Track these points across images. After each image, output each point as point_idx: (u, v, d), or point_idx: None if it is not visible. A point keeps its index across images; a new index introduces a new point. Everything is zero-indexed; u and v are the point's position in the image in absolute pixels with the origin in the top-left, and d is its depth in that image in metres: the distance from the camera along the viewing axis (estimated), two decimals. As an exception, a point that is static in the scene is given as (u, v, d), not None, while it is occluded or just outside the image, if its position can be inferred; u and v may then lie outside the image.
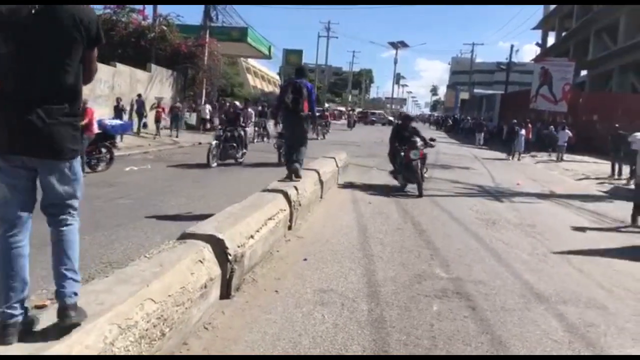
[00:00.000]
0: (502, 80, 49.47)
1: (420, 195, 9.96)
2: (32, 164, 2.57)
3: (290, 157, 7.98)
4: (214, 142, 13.45)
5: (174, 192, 9.10)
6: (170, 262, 3.40)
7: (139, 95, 20.90)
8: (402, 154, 10.42)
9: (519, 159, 22.65)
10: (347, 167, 12.64)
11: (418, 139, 10.62)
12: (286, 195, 6.39)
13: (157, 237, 5.85)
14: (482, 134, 33.02)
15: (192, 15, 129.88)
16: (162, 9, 26.42)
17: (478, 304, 4.49)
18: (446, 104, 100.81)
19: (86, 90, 2.80)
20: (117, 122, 15.27)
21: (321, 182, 8.68)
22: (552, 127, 25.56)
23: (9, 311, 2.42)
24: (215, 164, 13.10)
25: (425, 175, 10.90)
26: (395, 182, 10.90)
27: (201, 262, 3.67)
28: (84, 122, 9.01)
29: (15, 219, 2.55)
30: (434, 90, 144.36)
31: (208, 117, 25.48)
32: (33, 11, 2.46)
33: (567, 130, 22.70)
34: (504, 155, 24.03)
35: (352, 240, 6.36)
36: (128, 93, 21.02)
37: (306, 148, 8.25)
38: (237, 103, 15.84)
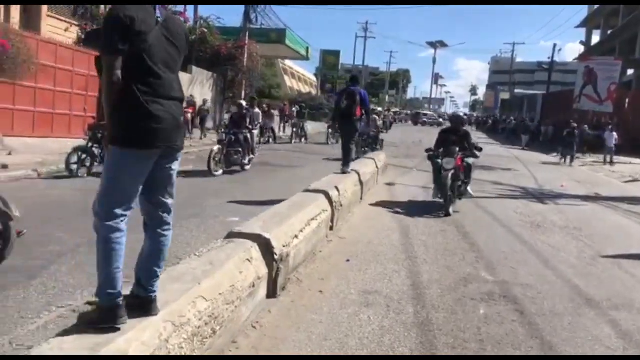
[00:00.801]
0: (544, 80, 48.32)
1: (447, 214, 8.09)
2: (166, 154, 2.85)
3: (347, 153, 9.31)
4: (215, 147, 11.61)
5: (216, 193, 9.21)
6: (220, 260, 3.45)
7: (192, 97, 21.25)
8: (439, 160, 8.63)
9: (571, 164, 20.80)
10: (386, 168, 12.59)
11: (459, 147, 8.61)
12: (328, 196, 6.41)
13: (203, 236, 5.94)
14: (528, 136, 31.55)
15: (232, 17, 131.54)
16: (203, 11, 26.85)
17: (526, 308, 4.41)
18: (485, 104, 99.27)
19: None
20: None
21: (361, 183, 8.67)
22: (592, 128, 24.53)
23: (120, 292, 2.62)
24: (220, 172, 11.37)
25: (470, 190, 9.13)
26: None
27: (249, 261, 3.71)
28: None
29: (131, 207, 2.78)
30: (473, 90, 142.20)
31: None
32: (159, 19, 2.77)
33: (614, 132, 21.86)
34: (555, 159, 22.77)
35: (394, 241, 6.33)
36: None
37: (353, 147, 9.99)
38: (243, 102, 13.88)
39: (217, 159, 11.40)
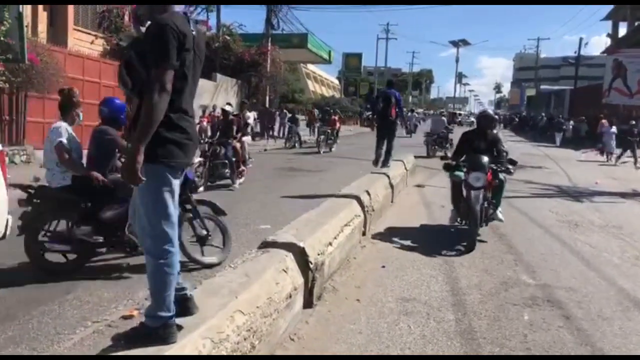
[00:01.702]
0: (569, 75, 47.50)
1: (469, 248, 5.96)
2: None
3: (387, 155, 10.59)
4: (196, 160, 9.44)
5: (246, 198, 9.16)
6: (256, 272, 3.37)
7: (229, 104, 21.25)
8: (460, 173, 6.54)
9: (616, 162, 19.16)
10: (414, 170, 12.42)
11: (488, 157, 6.48)
12: (359, 201, 6.30)
13: (235, 245, 5.88)
14: (562, 134, 29.04)
15: (254, 24, 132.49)
16: (225, 18, 27.00)
17: (572, 313, 4.23)
18: (511, 101, 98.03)
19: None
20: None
21: (392, 185, 8.54)
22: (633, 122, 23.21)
23: (171, 313, 2.61)
24: (201, 189, 9.35)
25: (499, 214, 6.81)
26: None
27: (285, 271, 3.63)
28: None
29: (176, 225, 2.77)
30: (498, 88, 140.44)
31: (251, 124, 25.21)
32: (194, 34, 2.73)
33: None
34: (589, 156, 21.74)
35: (428, 246, 6.16)
36: (195, 102, 21.52)
37: (393, 145, 10.84)
38: (229, 107, 11.60)
39: (197, 173, 9.50)
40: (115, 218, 4.98)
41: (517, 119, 50.95)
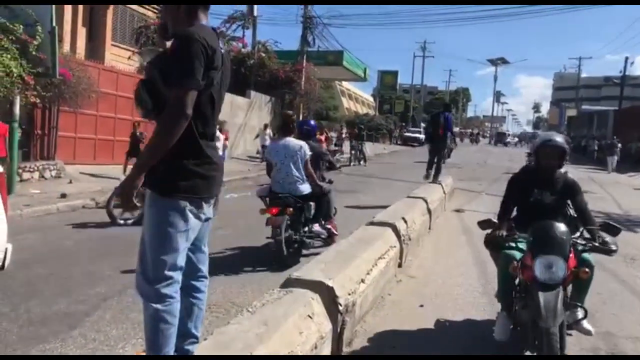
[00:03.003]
0: (611, 95, 45.97)
1: None
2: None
3: (436, 172, 11.80)
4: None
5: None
6: (276, 319, 2.91)
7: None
8: (514, 253, 3.67)
9: None
10: (452, 192, 11.83)
11: (564, 223, 3.58)
12: (395, 229, 5.79)
13: (258, 276, 5.46)
14: (616, 157, 25.51)
15: (290, 41, 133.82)
16: (261, 36, 26.99)
17: (643, 371, 3.63)
18: (550, 121, 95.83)
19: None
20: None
21: (429, 211, 8.00)
22: None
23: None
24: (122, 221, 8.12)
25: (586, 325, 3.81)
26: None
27: (310, 317, 3.16)
28: None
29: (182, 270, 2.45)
30: (536, 108, 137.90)
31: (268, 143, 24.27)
32: (222, 51, 2.42)
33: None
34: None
35: (472, 281, 5.62)
36: (229, 119, 21.40)
37: (441, 164, 12.08)
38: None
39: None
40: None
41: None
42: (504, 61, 72.35)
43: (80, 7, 20.14)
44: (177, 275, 2.36)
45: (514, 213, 4.12)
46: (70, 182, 11.73)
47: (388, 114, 55.76)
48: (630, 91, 57.34)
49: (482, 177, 17.95)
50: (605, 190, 16.39)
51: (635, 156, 25.95)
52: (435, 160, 11.87)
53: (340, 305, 3.56)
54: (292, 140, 6.47)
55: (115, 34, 22.36)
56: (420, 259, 6.37)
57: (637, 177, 21.28)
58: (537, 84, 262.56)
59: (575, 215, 4.00)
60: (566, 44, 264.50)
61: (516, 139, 59.59)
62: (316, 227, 6.67)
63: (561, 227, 3.42)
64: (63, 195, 9.94)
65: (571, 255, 3.40)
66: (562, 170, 4.09)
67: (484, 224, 3.98)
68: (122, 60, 20.02)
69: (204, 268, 2.69)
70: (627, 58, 41.92)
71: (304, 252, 6.41)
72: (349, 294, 3.76)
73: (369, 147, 26.17)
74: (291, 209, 6.14)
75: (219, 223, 8.32)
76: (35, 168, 11.77)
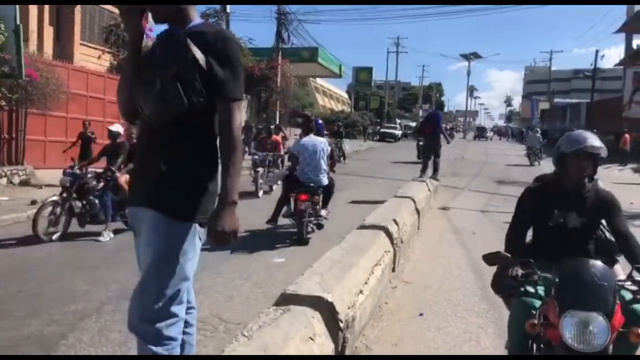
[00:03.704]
0: (580, 88, 46.54)
1: None
2: None
3: (434, 170, 12.79)
4: (51, 199, 7.34)
5: (255, 225, 8.43)
6: (276, 345, 2.61)
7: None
8: (531, 301, 2.61)
9: None
10: (436, 190, 11.65)
11: (599, 258, 2.62)
12: (388, 232, 5.53)
13: (246, 285, 5.15)
14: None
15: (264, 37, 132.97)
16: (234, 32, 26.48)
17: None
18: (522, 114, 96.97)
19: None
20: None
21: (418, 211, 7.77)
22: None
23: None
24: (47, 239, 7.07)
25: None
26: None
27: (312, 339, 2.86)
28: None
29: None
30: (508, 101, 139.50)
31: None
32: None
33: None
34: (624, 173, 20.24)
35: (469, 285, 5.39)
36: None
37: (437, 160, 13.12)
38: (114, 128, 8.07)
39: (54, 217, 7.20)
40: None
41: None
42: (476, 56, 72.65)
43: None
44: (182, 312, 2.05)
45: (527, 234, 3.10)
46: (41, 187, 11.21)
47: (364, 110, 55.63)
48: (600, 84, 58.13)
49: (461, 172, 17.86)
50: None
51: (609, 148, 26.29)
52: (432, 157, 12.75)
53: (341, 321, 3.28)
54: (317, 138, 7.70)
55: (84, 32, 21.66)
56: (413, 262, 6.14)
57: (613, 169, 21.43)
58: (508, 77, 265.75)
59: (612, 240, 2.99)
60: (535, 39, 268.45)
61: (491, 134, 59.51)
62: (323, 211, 7.63)
63: (600, 267, 2.38)
64: (33, 202, 9.45)
65: (617, 308, 2.29)
66: (599, 183, 3.06)
67: (491, 258, 2.81)
68: (92, 59, 19.41)
69: (192, 298, 2.39)
70: (597, 51, 42.57)
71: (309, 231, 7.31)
72: (349, 308, 3.49)
73: (347, 144, 25.93)
74: (317, 197, 7.37)
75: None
76: (3, 174, 11.24)
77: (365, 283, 4.08)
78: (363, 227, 5.64)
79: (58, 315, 4.34)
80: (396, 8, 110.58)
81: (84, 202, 7.41)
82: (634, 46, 48.29)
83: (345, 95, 67.64)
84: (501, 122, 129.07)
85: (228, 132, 2.00)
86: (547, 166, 24.30)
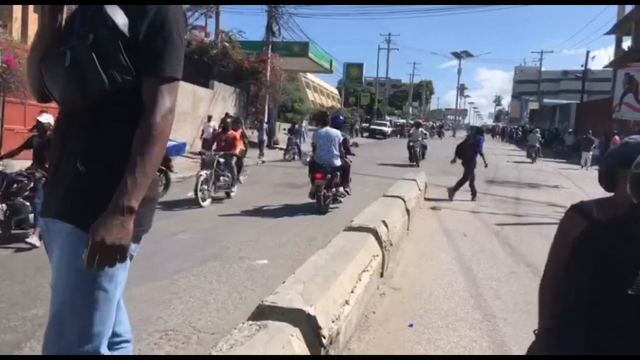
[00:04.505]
0: (570, 89, 46.50)
1: None
2: None
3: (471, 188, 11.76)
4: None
5: (241, 223, 8.11)
6: (249, 369, 2.30)
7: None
8: None
9: None
10: (426, 188, 11.38)
11: None
12: (376, 235, 5.23)
13: (224, 289, 4.83)
14: (591, 154, 23.39)
15: (254, 31, 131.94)
16: (224, 25, 26.07)
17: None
18: (511, 114, 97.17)
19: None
20: (170, 142, 14.39)
21: (408, 211, 7.48)
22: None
23: None
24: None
25: None
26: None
27: (290, 360, 2.56)
28: None
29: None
30: (497, 101, 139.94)
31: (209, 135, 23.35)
32: None
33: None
34: None
35: (460, 291, 5.11)
36: (191, 111, 20.51)
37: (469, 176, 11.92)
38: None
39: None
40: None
41: (520, 133, 49.68)
42: (467, 54, 72.70)
43: (31, -9, 18.86)
44: (105, 350, 1.68)
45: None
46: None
47: (354, 106, 55.32)
48: (589, 85, 58.29)
49: (452, 171, 17.55)
50: (575, 184, 16.26)
51: (600, 150, 26.13)
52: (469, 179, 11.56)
53: (324, 337, 2.98)
54: (331, 130, 9.48)
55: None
56: (403, 266, 5.84)
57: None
58: (498, 77, 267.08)
59: None
60: (526, 39, 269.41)
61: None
62: (341, 189, 9.64)
63: None
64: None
65: None
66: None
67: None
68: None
69: (124, 329, 1.91)
70: (588, 52, 42.65)
71: (331, 206, 9.37)
72: (333, 322, 3.19)
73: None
74: (329, 175, 9.06)
75: (179, 226, 7.64)
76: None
77: (352, 292, 3.78)
78: (351, 228, 5.34)
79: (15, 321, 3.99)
80: (388, 5, 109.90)
81: (8, 203, 6.37)
82: (625, 48, 48.57)
83: (336, 91, 67.25)
84: (490, 121, 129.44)
85: (148, 118, 1.57)
86: (544, 164, 24.22)
